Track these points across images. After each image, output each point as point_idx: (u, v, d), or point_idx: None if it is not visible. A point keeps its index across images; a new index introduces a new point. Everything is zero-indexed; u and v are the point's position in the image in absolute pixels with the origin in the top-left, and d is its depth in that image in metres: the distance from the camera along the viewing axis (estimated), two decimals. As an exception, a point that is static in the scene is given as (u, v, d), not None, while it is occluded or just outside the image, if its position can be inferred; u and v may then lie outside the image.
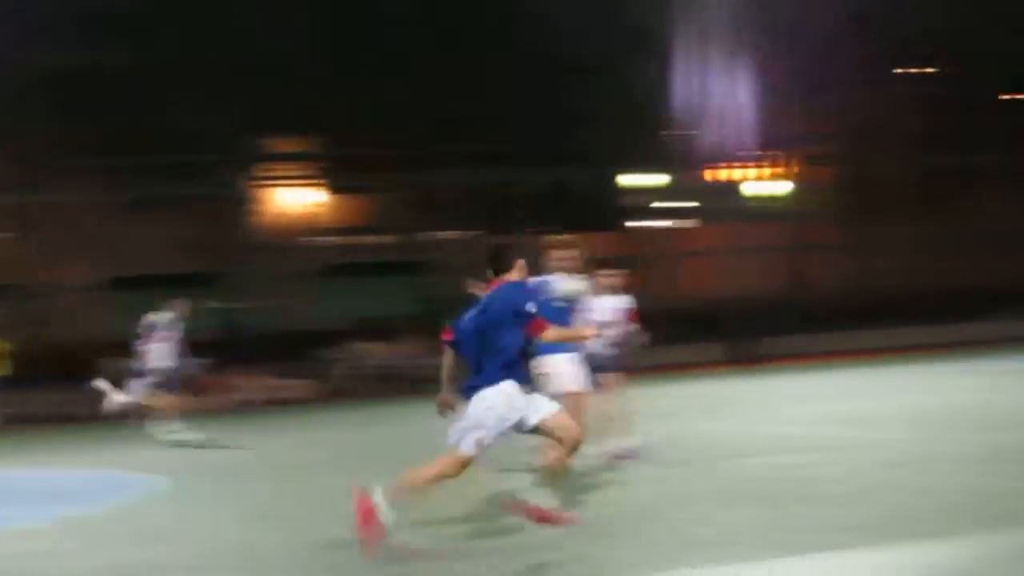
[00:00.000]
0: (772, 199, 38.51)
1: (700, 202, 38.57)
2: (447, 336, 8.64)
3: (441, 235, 36.11)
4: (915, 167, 37.39)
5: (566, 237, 12.19)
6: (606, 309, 13.30)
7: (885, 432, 12.98)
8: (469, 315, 8.40)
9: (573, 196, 35.66)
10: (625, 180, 38.07)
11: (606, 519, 9.26)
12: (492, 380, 8.01)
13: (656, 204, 39.08)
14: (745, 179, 38.53)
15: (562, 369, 11.23)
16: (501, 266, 8.36)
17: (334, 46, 32.80)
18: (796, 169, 38.71)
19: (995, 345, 29.24)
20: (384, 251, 35.33)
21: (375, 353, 27.55)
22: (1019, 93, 40.29)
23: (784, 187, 38.90)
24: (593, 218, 36.44)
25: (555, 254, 11.42)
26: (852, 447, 12.70)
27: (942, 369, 24.24)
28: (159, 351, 17.10)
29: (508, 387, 8.00)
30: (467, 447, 7.96)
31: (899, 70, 38.92)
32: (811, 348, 30.97)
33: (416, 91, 32.78)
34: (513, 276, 8.35)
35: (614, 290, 13.53)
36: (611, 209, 37.58)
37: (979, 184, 37.91)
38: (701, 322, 32.64)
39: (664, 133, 37.37)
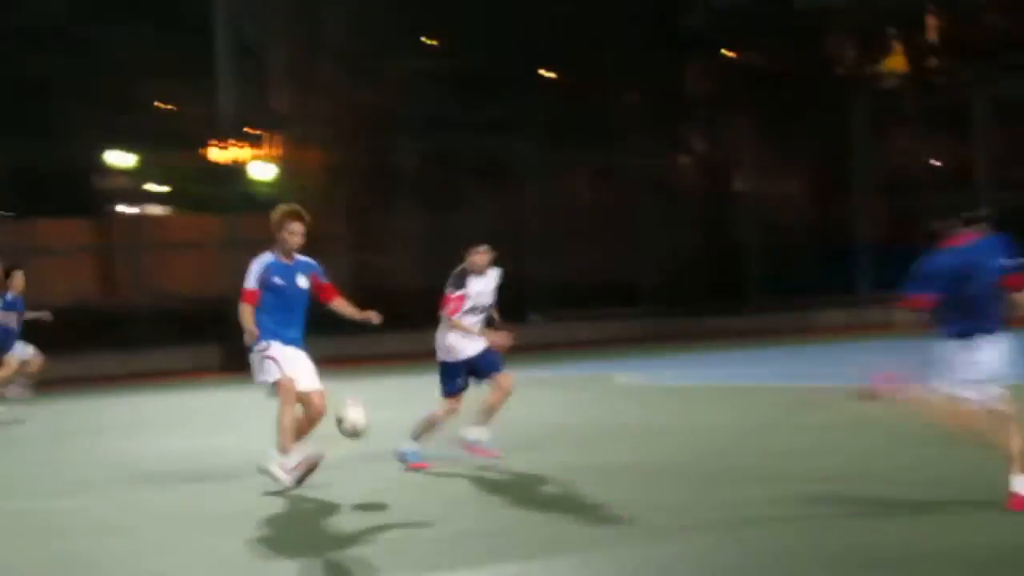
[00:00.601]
0: (263, 185, 35.02)
1: (187, 187, 35.02)
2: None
3: None
4: (432, 154, 35.23)
5: (299, 209, 11.45)
6: (487, 291, 12.25)
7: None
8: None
9: (41, 176, 31.62)
10: (110, 160, 34.14)
11: None
12: None
13: (147, 188, 35.39)
14: (236, 162, 34.60)
15: (284, 357, 11.05)
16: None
17: None
18: (284, 152, 35.14)
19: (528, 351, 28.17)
20: None
21: None
22: (551, 72, 38.45)
23: (273, 172, 35.23)
24: (66, 202, 32.43)
25: (288, 227, 11.12)
26: (368, 462, 12.17)
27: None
28: None
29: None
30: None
31: (417, 44, 36.56)
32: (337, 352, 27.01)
33: None
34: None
35: (489, 268, 12.28)
36: (89, 192, 33.64)
37: (501, 172, 36.15)
38: (192, 323, 30.11)
39: (148, 108, 33.84)
